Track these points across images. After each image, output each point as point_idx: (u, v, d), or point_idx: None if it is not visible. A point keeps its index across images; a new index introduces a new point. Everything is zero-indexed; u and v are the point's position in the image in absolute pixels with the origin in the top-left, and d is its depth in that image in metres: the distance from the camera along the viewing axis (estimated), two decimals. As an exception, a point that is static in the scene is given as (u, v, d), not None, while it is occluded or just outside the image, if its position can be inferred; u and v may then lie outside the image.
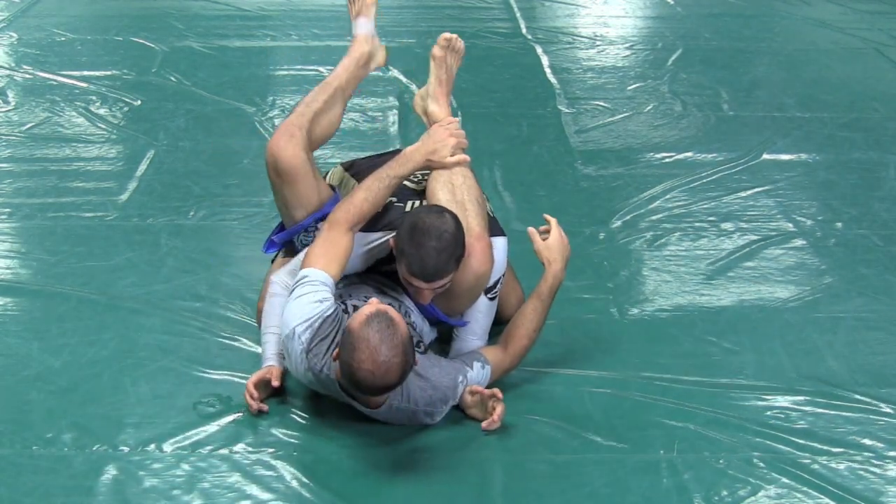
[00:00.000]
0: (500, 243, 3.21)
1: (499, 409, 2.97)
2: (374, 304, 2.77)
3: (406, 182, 3.25)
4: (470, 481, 2.83)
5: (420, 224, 2.93)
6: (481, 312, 3.20)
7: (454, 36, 3.43)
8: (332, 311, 2.90)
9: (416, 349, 2.95)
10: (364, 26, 3.55)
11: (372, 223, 3.15)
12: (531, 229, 3.20)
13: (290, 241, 3.34)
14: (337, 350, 2.76)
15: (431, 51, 3.45)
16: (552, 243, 3.18)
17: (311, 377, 2.92)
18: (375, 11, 3.63)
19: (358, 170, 3.39)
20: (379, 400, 2.87)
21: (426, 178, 3.28)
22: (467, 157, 3.16)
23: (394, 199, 3.21)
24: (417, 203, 3.22)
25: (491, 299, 3.20)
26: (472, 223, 3.08)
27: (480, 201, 3.19)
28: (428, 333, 3.24)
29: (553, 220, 3.22)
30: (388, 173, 3.10)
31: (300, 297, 2.92)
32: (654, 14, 7.40)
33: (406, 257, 2.94)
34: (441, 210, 3.00)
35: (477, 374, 3.04)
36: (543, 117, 5.38)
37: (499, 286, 3.22)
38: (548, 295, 3.16)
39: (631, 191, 4.54)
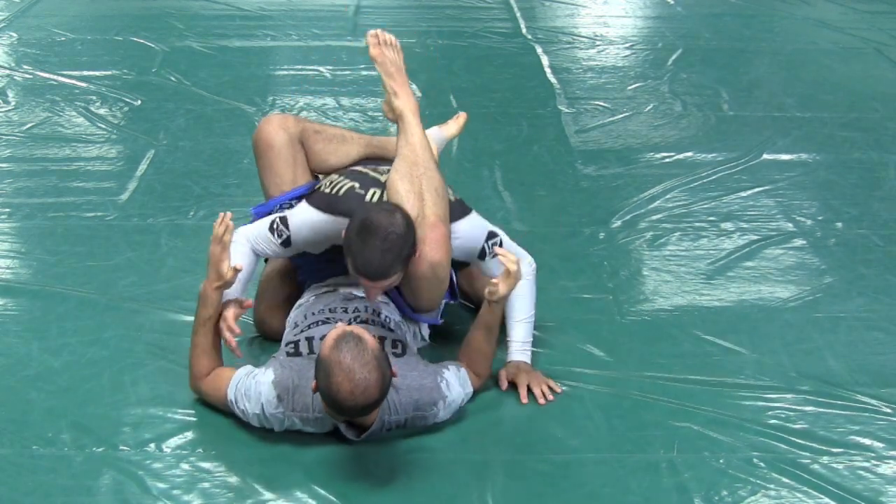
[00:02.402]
0: (466, 222, 3.18)
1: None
2: (339, 328, 2.74)
3: (369, 171, 3.26)
4: (470, 481, 2.83)
5: (369, 222, 2.91)
6: (494, 266, 3.20)
7: (377, 30, 3.40)
8: (271, 374, 2.89)
9: (394, 349, 2.95)
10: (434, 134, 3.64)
11: (331, 208, 3.14)
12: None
13: (265, 215, 3.34)
14: (314, 382, 2.74)
15: (369, 53, 3.38)
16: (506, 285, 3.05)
17: (310, 428, 2.91)
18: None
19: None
20: (370, 419, 2.85)
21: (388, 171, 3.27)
22: (240, 266, 3.08)
23: (356, 185, 3.19)
24: (378, 193, 3.16)
25: (493, 256, 3.19)
26: (429, 212, 3.04)
27: (441, 191, 3.13)
28: (411, 338, 3.19)
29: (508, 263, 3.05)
30: (199, 322, 3.05)
31: (246, 394, 2.91)
32: (654, 14, 7.41)
33: (353, 255, 2.93)
34: (393, 209, 2.96)
35: (454, 375, 3.00)
36: (543, 117, 5.38)
37: (489, 249, 3.19)
38: (497, 318, 3.10)
39: (631, 191, 4.54)
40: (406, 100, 3.27)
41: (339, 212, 3.13)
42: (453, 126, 3.78)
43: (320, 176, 3.42)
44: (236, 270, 3.02)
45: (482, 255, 3.20)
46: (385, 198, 3.12)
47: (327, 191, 3.21)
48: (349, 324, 3.00)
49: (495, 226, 3.28)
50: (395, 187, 3.10)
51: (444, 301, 3.28)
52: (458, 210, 3.20)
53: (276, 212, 3.28)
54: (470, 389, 3.05)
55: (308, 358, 2.91)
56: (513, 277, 2.98)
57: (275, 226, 3.17)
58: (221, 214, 3.00)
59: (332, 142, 3.45)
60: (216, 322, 3.04)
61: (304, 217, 3.17)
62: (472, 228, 3.20)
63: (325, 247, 3.22)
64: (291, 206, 3.27)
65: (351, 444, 2.91)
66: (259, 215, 3.34)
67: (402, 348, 3.02)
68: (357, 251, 2.91)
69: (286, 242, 3.17)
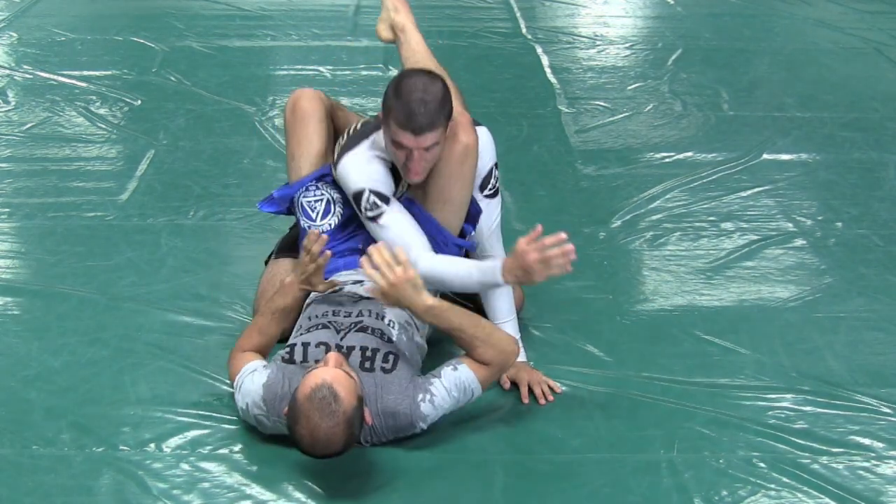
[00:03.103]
0: (483, 131, 3.23)
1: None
2: (322, 372, 2.68)
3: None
4: (470, 481, 2.83)
5: (407, 78, 2.97)
6: (483, 216, 3.22)
7: None
8: (265, 376, 2.89)
9: (384, 363, 2.90)
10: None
11: (361, 136, 3.17)
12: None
13: (290, 198, 3.35)
14: (286, 408, 2.73)
15: None
16: (388, 300, 2.94)
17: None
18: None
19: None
20: (350, 445, 2.82)
21: None
22: (336, 282, 3.11)
23: (363, 118, 3.27)
24: None
25: (490, 196, 3.21)
26: (454, 102, 3.11)
27: (456, 89, 3.25)
28: (413, 345, 3.09)
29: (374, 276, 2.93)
30: (271, 307, 3.07)
31: (242, 389, 2.92)
32: (654, 14, 7.41)
33: (393, 110, 2.95)
34: (429, 71, 3.06)
35: (449, 383, 2.90)
36: (543, 117, 5.38)
37: (493, 180, 3.23)
38: (441, 322, 2.92)
39: (631, 191, 4.54)
40: (406, 14, 3.38)
41: (364, 135, 3.17)
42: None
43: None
44: (332, 284, 3.07)
45: (487, 180, 3.21)
46: None
47: (344, 140, 3.24)
48: (349, 331, 2.98)
49: (498, 173, 3.32)
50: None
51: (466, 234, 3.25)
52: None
53: (303, 194, 3.28)
54: (473, 391, 2.94)
55: (300, 366, 2.89)
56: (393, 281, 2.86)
57: (367, 209, 3.11)
58: (316, 232, 3.02)
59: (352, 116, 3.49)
60: (283, 312, 3.07)
61: (356, 166, 3.14)
62: (487, 141, 3.23)
63: (388, 167, 3.16)
64: (318, 188, 3.28)
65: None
66: (283, 197, 3.35)
67: (394, 362, 2.92)
68: (399, 106, 2.95)
69: (383, 199, 3.11)
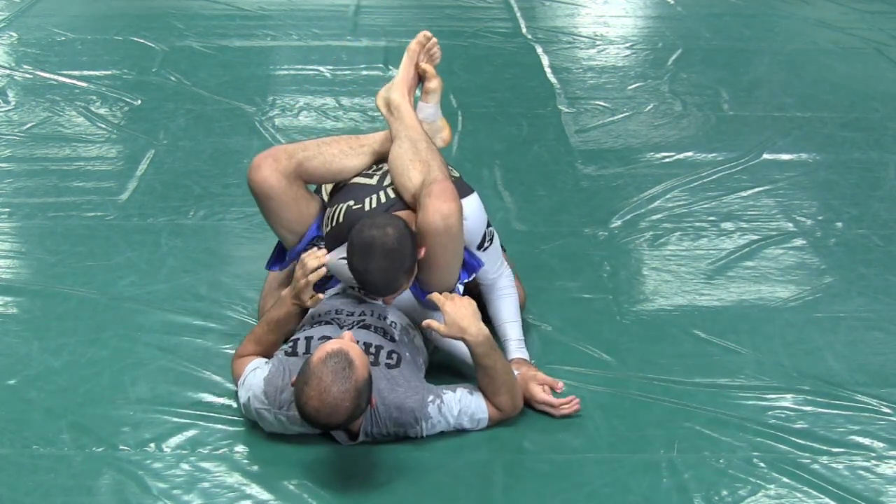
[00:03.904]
0: (472, 199, 3.15)
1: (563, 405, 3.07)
2: (338, 342, 2.71)
3: (362, 178, 3.24)
4: (470, 481, 2.83)
5: (362, 243, 2.90)
6: (486, 260, 3.19)
7: (434, 39, 3.43)
8: (267, 371, 2.91)
9: (388, 360, 2.92)
10: (424, 111, 3.46)
11: (338, 242, 3.10)
12: (427, 322, 2.97)
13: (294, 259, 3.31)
14: (294, 378, 2.74)
15: (409, 45, 3.42)
16: (451, 317, 2.91)
17: (297, 427, 2.89)
18: (440, 96, 3.51)
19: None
20: (354, 426, 2.85)
21: (378, 170, 3.27)
22: (321, 297, 3.07)
23: (351, 203, 3.15)
24: (375, 198, 3.16)
25: (485, 250, 3.18)
26: (435, 174, 3.05)
27: (444, 162, 3.17)
28: (413, 348, 3.09)
29: (438, 300, 2.96)
30: (267, 318, 3.09)
31: (245, 385, 2.95)
32: (654, 14, 7.40)
33: (357, 276, 2.94)
34: (383, 223, 2.92)
35: (462, 399, 2.93)
36: (543, 117, 5.38)
37: (488, 239, 3.19)
38: (484, 357, 2.92)
39: (631, 191, 4.54)
40: (403, 100, 3.30)
41: (339, 239, 3.11)
42: (431, 88, 3.51)
43: (324, 191, 3.38)
44: (319, 300, 3.05)
45: (482, 243, 3.18)
46: (384, 195, 3.13)
47: (328, 228, 3.18)
48: (351, 328, 3.01)
49: (492, 226, 3.29)
50: (400, 160, 3.11)
51: (460, 281, 3.19)
52: (463, 188, 3.16)
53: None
54: (482, 417, 2.96)
55: (303, 358, 2.91)
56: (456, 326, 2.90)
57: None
58: (316, 249, 3.03)
59: (335, 160, 3.28)
60: (277, 323, 3.08)
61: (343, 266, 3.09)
62: (477, 209, 3.16)
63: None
64: (318, 247, 3.19)
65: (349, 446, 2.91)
66: (289, 261, 3.33)
67: (398, 360, 2.94)
68: (360, 274, 2.92)
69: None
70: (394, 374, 2.91)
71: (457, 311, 2.90)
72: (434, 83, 3.45)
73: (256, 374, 2.93)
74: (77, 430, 2.98)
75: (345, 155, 3.28)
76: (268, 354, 3.06)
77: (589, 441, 2.99)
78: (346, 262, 2.99)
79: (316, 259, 3.00)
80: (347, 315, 3.08)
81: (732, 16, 7.29)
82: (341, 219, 3.14)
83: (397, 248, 2.89)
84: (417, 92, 3.49)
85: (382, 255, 2.87)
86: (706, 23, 7.08)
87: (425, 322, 2.95)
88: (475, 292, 3.30)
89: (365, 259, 2.89)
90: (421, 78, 3.46)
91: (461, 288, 3.18)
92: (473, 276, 3.21)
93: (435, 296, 2.97)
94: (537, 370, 3.19)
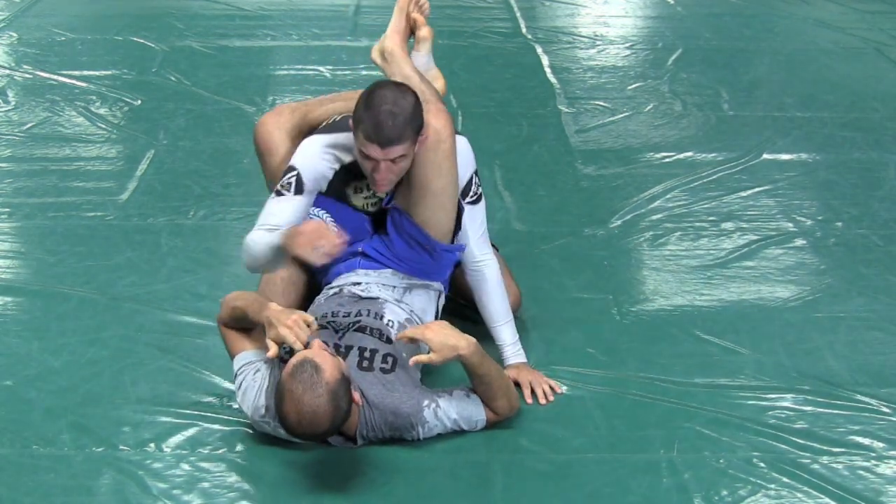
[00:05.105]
0: (461, 140, 3.21)
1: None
2: (302, 353, 2.69)
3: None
4: (470, 481, 2.83)
5: (378, 91, 2.95)
6: (468, 220, 3.19)
7: None
8: (267, 381, 2.89)
9: (383, 364, 2.91)
10: (416, 60, 3.52)
11: (329, 129, 3.17)
12: (415, 359, 2.90)
13: None
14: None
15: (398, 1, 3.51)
16: (437, 343, 2.86)
17: (299, 439, 2.85)
18: (431, 45, 3.61)
19: None
20: (349, 434, 2.85)
21: None
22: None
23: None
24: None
25: (472, 203, 3.20)
26: (429, 97, 3.12)
27: (437, 93, 3.27)
28: (408, 347, 3.03)
29: (415, 334, 2.91)
30: (252, 313, 2.98)
31: (242, 388, 2.94)
32: (654, 14, 7.40)
33: (362, 122, 2.94)
34: (401, 84, 3.05)
35: (459, 402, 2.93)
36: (543, 117, 5.38)
37: (474, 187, 3.21)
38: (479, 367, 2.90)
39: (631, 191, 4.54)
40: (397, 49, 3.40)
41: (339, 129, 3.16)
42: (423, 37, 3.61)
43: None
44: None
45: (468, 188, 3.19)
46: None
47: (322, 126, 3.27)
48: (347, 330, 2.99)
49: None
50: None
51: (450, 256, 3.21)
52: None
53: None
54: (479, 419, 2.96)
55: None
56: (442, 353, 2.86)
57: (282, 184, 3.10)
58: (305, 316, 2.87)
59: (334, 111, 3.40)
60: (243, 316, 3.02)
61: (306, 149, 3.14)
62: (465, 147, 3.22)
63: (335, 168, 3.15)
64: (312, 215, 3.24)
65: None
66: None
67: (393, 364, 2.94)
68: (367, 118, 2.92)
69: (298, 187, 3.09)
70: (389, 378, 2.90)
71: (439, 335, 2.87)
72: (425, 31, 3.56)
73: (256, 384, 2.91)
74: (77, 430, 2.98)
75: (347, 109, 3.33)
76: (232, 326, 3.03)
77: (589, 441, 2.99)
78: (346, 135, 3.05)
79: (305, 322, 2.86)
80: (343, 316, 3.06)
81: (732, 16, 7.29)
82: (338, 119, 3.23)
83: (412, 103, 2.94)
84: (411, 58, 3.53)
85: (394, 102, 2.91)
86: (706, 23, 7.08)
87: (413, 359, 2.90)
88: (460, 284, 3.33)
89: (378, 104, 2.91)
90: (412, 29, 3.57)
91: (442, 301, 3.26)
92: (459, 254, 3.22)
93: (409, 331, 2.90)
94: (538, 373, 3.19)
